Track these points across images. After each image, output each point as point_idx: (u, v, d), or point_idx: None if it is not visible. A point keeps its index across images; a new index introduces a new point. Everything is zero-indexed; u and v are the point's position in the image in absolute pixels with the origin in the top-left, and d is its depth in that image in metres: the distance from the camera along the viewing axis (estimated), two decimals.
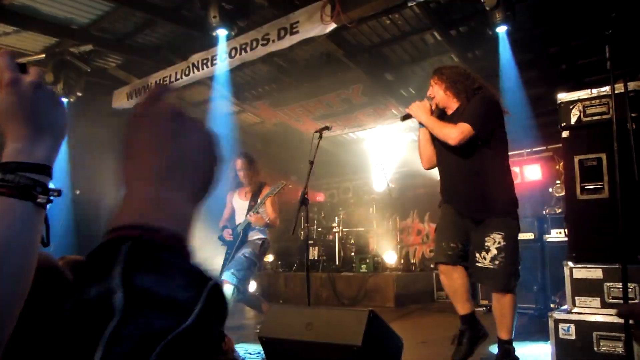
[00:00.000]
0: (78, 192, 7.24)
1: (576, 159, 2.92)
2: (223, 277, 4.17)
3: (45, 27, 5.80)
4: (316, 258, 7.88)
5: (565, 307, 3.04)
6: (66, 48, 5.99)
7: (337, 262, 7.78)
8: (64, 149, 5.93)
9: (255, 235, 4.48)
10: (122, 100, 7.20)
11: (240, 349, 3.69)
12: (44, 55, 6.14)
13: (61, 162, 7.46)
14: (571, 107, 2.97)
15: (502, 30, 4.86)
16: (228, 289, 4.08)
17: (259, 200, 4.46)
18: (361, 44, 5.96)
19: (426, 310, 6.29)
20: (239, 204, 4.63)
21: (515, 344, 3.75)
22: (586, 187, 2.87)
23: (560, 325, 2.86)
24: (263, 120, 8.52)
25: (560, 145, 3.29)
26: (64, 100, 6.59)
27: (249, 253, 4.30)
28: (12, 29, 5.87)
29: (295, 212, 4.26)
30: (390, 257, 7.58)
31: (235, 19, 4.91)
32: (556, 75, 6.10)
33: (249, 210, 4.50)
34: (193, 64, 6.07)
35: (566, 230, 3.04)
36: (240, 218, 4.59)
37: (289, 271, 7.83)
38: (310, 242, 7.86)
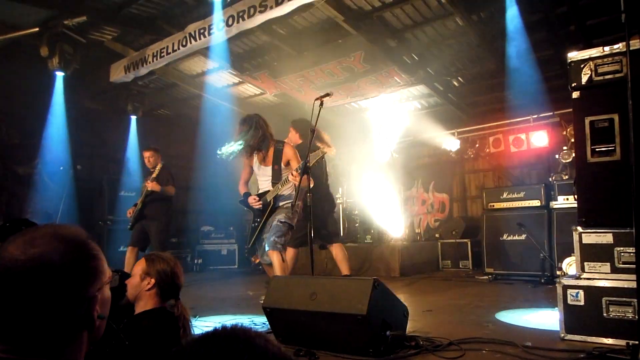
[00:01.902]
0: (80, 167, 7.21)
1: (587, 120, 2.80)
2: (267, 248, 4.09)
3: None
4: None
5: (574, 272, 2.98)
6: (60, 20, 5.83)
7: (341, 234, 7.76)
8: (63, 124, 5.89)
9: (285, 202, 4.30)
10: (119, 74, 7.05)
11: (245, 319, 3.68)
12: (37, 29, 5.99)
13: (62, 138, 7.40)
14: (582, 66, 2.84)
15: None
16: (275, 257, 4.03)
17: (282, 167, 4.26)
18: (362, 9, 5.76)
19: (431, 279, 6.29)
20: (261, 169, 4.41)
21: (522, 311, 3.77)
22: (597, 149, 2.76)
23: (569, 291, 2.80)
24: (263, 91, 8.37)
25: (568, 110, 3.20)
26: (60, 74, 6.47)
27: (284, 218, 4.19)
28: (4, 2, 5.70)
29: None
30: (394, 227, 7.55)
31: None
32: (564, 36, 5.90)
33: (274, 175, 4.29)
34: (190, 34, 5.90)
35: (575, 194, 2.94)
36: (264, 184, 4.40)
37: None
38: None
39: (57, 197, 7.12)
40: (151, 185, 5.69)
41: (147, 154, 5.94)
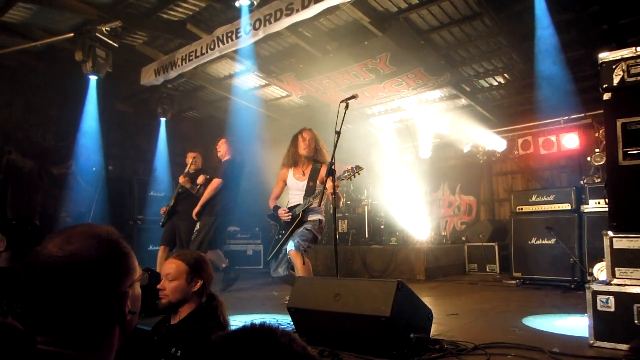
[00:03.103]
0: (111, 168, 7.43)
1: (619, 122, 2.74)
2: (290, 248, 4.17)
3: (72, 6, 5.83)
4: (345, 231, 7.86)
5: (604, 278, 2.92)
6: (94, 26, 6.02)
7: (366, 235, 7.75)
8: (96, 126, 6.15)
9: (313, 217, 4.41)
10: (150, 77, 7.23)
11: (270, 318, 3.73)
12: (72, 34, 6.20)
13: (94, 140, 7.64)
14: (614, 67, 2.77)
15: None
16: (298, 259, 4.09)
17: (317, 184, 4.37)
18: (387, 10, 5.75)
19: (457, 283, 6.22)
20: (295, 183, 4.53)
21: (550, 317, 3.70)
22: (629, 152, 2.69)
23: (599, 297, 2.74)
24: (289, 94, 8.44)
25: (600, 111, 3.13)
26: (94, 78, 6.67)
27: (310, 227, 4.31)
28: (41, 9, 5.94)
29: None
30: (420, 229, 7.49)
31: None
32: (596, 36, 5.75)
33: (307, 191, 4.40)
34: (218, 38, 6.01)
35: (606, 198, 2.87)
36: (295, 198, 4.52)
37: (319, 245, 7.83)
38: (339, 215, 7.84)
39: (90, 197, 7.34)
40: (182, 180, 5.83)
41: (192, 154, 6.09)
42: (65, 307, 0.90)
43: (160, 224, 6.00)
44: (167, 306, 2.08)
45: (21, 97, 7.49)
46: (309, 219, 4.39)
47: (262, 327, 0.73)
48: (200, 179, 5.77)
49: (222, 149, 5.86)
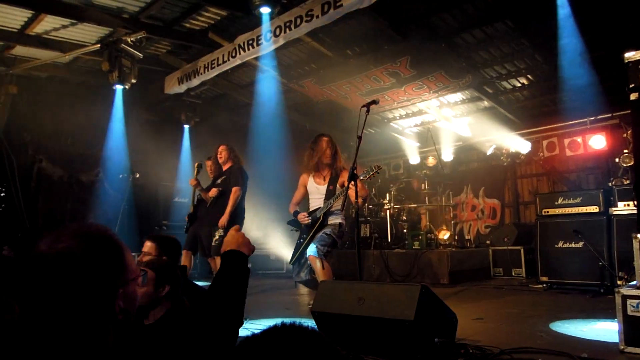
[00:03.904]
0: (137, 175, 7.58)
1: None
2: (309, 253, 4.24)
3: (98, 18, 6.01)
4: (368, 235, 7.85)
5: (634, 282, 2.85)
6: (119, 37, 6.18)
7: (389, 239, 7.72)
8: (122, 134, 6.31)
9: (334, 220, 4.48)
10: (173, 85, 7.38)
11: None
12: (99, 46, 6.38)
13: (121, 147, 7.83)
14: None
15: None
16: (318, 263, 4.16)
17: (337, 187, 4.44)
18: (407, 14, 5.74)
19: (482, 287, 6.14)
20: (316, 188, 4.62)
21: (578, 322, 3.63)
22: None
23: (629, 302, 2.68)
24: (310, 99, 8.49)
25: (628, 111, 3.06)
26: (120, 87, 6.85)
27: (330, 231, 4.39)
28: (69, 22, 6.13)
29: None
30: (443, 233, 7.43)
31: None
32: (622, 34, 5.63)
33: (327, 194, 4.48)
34: (239, 45, 6.10)
35: (635, 200, 2.81)
36: (316, 202, 4.60)
37: (341, 249, 7.85)
38: (362, 219, 7.83)
39: (117, 203, 7.50)
40: (193, 183, 5.87)
41: (208, 163, 6.14)
42: (54, 305, 0.90)
43: (184, 229, 6.09)
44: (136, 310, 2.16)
45: (51, 107, 7.72)
46: (329, 222, 4.44)
47: (294, 325, 0.75)
48: (212, 192, 5.79)
49: (224, 155, 5.82)
